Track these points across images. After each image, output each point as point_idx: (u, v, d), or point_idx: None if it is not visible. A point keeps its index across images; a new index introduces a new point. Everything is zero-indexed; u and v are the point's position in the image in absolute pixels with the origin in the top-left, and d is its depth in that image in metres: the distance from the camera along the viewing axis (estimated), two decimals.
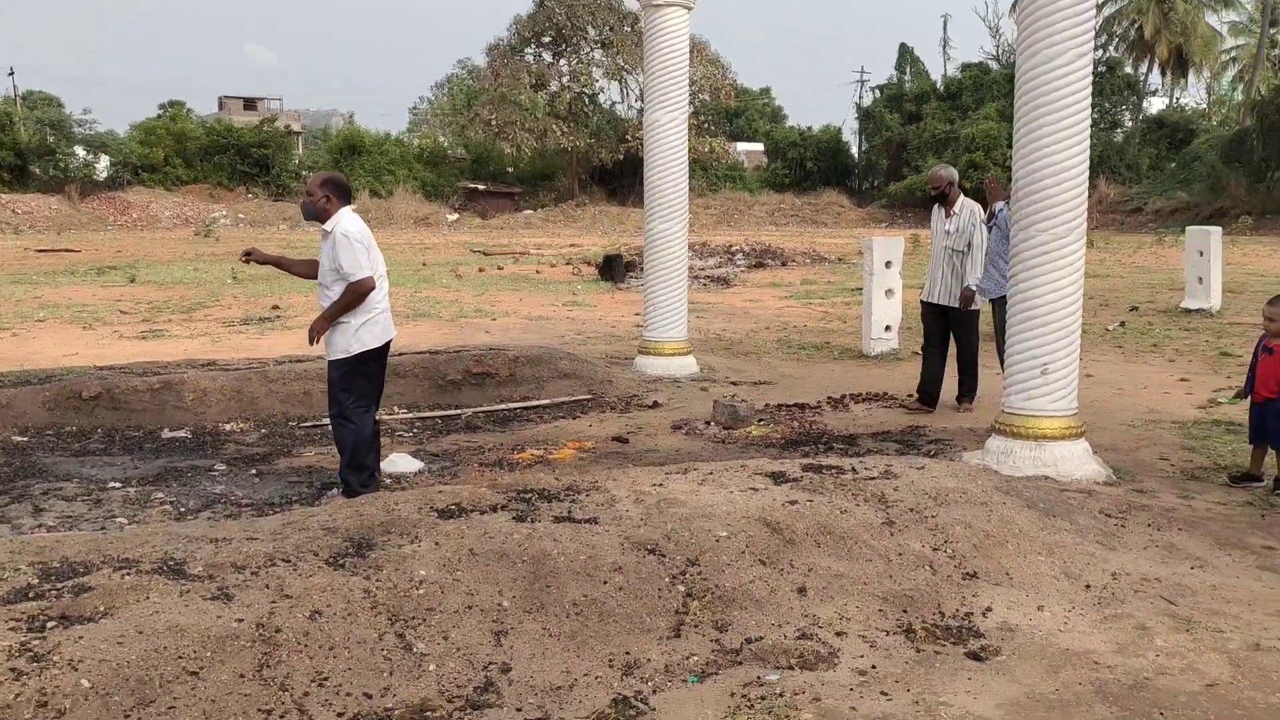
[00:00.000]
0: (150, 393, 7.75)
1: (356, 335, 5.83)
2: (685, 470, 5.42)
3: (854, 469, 5.46)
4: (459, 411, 8.28)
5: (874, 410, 8.19)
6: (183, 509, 5.74)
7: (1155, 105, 53.86)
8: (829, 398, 8.62)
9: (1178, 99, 54.12)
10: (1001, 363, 7.25)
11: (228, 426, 7.68)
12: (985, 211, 7.52)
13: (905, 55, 57.11)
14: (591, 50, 50.52)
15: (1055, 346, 5.92)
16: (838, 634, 3.97)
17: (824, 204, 52.74)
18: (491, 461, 6.84)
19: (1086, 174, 5.89)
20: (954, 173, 8.08)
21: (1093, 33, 5.86)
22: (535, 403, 8.51)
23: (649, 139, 9.62)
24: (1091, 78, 5.89)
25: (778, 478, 5.27)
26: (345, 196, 5.88)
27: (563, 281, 19.49)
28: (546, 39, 50.01)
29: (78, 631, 3.39)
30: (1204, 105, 53.46)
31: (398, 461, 6.77)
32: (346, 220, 5.75)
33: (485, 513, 4.58)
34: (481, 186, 50.89)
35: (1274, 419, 5.75)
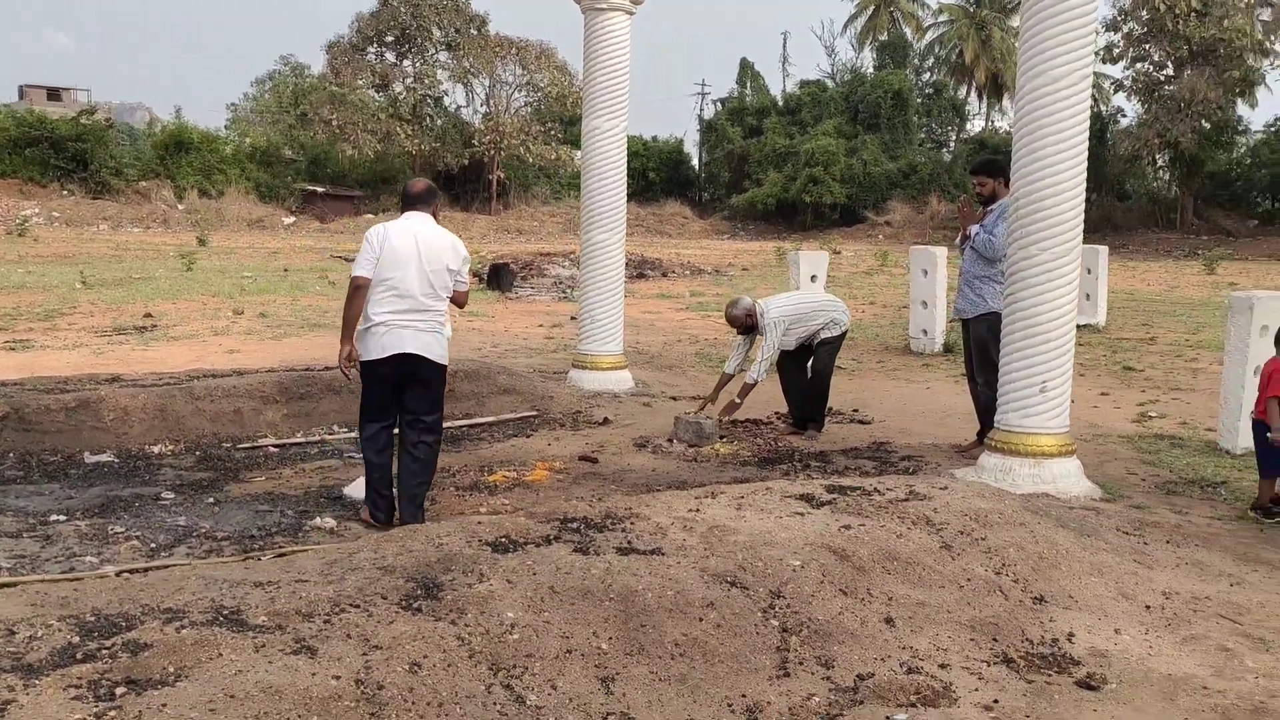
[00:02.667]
0: (65, 412, 6.97)
1: (360, 340, 5.48)
2: (712, 494, 5.21)
3: (878, 490, 5.37)
4: None
5: (828, 426, 8.15)
6: (152, 544, 5.14)
7: (974, 128, 56.72)
8: (777, 414, 8.54)
9: (993, 123, 57.21)
10: (973, 383, 7.31)
11: (155, 449, 6.98)
12: (960, 235, 7.56)
13: (746, 70, 58.37)
14: (437, 52, 49.54)
15: (1054, 364, 6.00)
16: (941, 666, 3.83)
17: (668, 215, 53.25)
18: (466, 485, 6.44)
19: (1084, 195, 5.99)
20: (746, 305, 7.90)
21: (1093, 56, 5.97)
22: (483, 420, 8.12)
23: (587, 146, 9.35)
24: (1090, 102, 6.00)
25: (810, 500, 5.12)
26: (404, 202, 5.70)
27: None
28: (390, 38, 48.71)
29: (156, 698, 2.93)
30: None
31: (363, 486, 6.28)
32: (390, 222, 5.62)
33: (540, 545, 4.26)
34: (320, 189, 49.09)
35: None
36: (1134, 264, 29.99)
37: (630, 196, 40.46)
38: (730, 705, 3.49)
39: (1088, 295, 13.67)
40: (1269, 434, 5.79)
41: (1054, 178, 5.88)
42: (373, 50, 48.90)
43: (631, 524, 4.62)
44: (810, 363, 7.88)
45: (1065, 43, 5.80)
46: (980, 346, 7.04)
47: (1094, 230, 38.18)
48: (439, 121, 50.35)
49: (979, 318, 7.08)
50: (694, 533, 4.55)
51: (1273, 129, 41.88)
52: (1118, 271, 26.04)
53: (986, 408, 6.80)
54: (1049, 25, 5.81)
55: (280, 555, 4.54)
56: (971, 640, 4.05)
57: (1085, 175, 6.00)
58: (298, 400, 7.91)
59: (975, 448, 7.04)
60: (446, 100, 51.89)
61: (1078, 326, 13.47)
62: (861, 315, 16.06)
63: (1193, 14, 36.10)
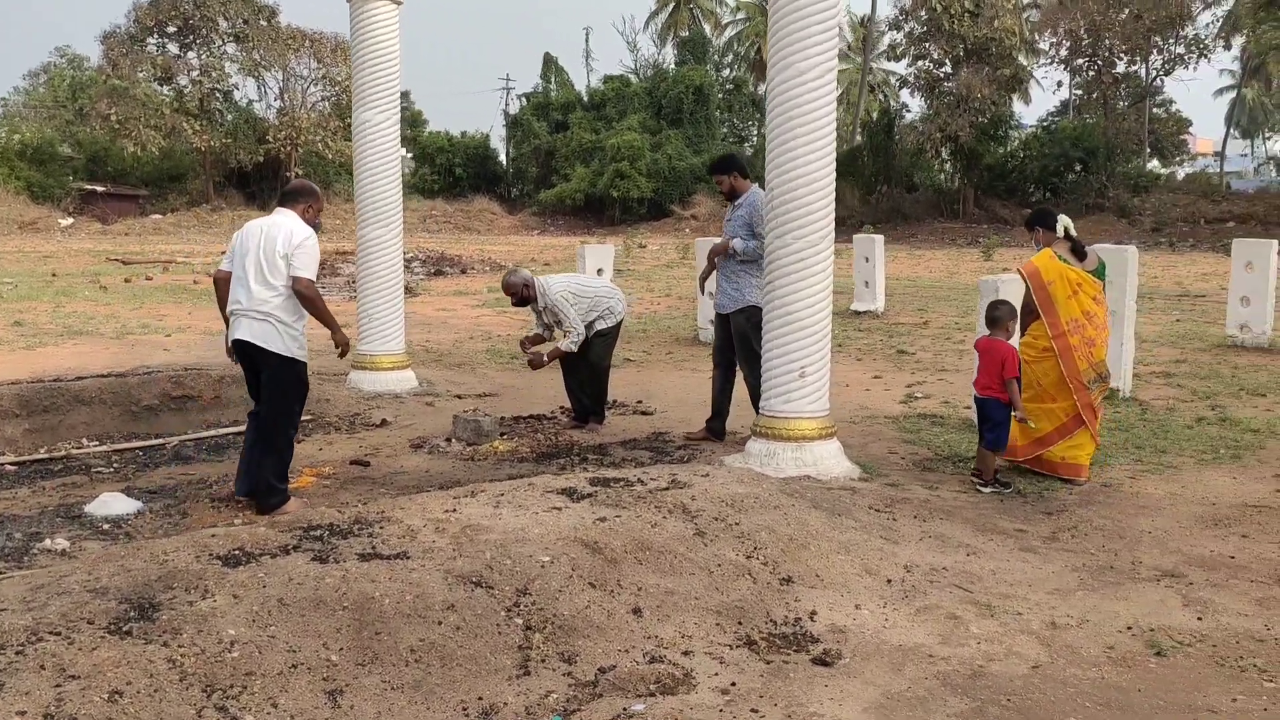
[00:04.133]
0: None
1: None
2: (473, 493, 5.11)
3: (641, 480, 5.39)
4: (163, 441, 7.36)
5: (610, 419, 8.17)
6: None
7: None
8: (562, 408, 8.51)
9: None
10: (718, 371, 7.48)
11: None
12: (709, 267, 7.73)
13: (550, 65, 58.26)
14: (224, 44, 47.30)
15: (812, 349, 6.16)
16: (685, 654, 3.86)
17: (476, 211, 52.62)
18: (223, 496, 6.11)
19: (834, 184, 6.17)
20: (524, 276, 7.83)
21: (837, 49, 6.16)
22: None
23: (359, 141, 9.06)
24: (835, 93, 6.19)
25: (572, 494, 5.10)
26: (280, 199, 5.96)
27: None
28: (172, 29, 46.18)
29: None
30: None
31: (110, 502, 5.87)
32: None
33: (277, 555, 4.07)
34: (100, 188, 46.18)
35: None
36: (920, 252, 31.51)
37: (437, 193, 39.65)
38: (465, 709, 3.41)
39: (866, 283, 14.25)
40: (1015, 414, 6.10)
41: (804, 169, 6.04)
42: (153, 41, 46.29)
43: (381, 528, 4.48)
44: (586, 355, 7.85)
45: (809, 37, 5.96)
46: (741, 339, 7.19)
47: (885, 221, 40.05)
48: (230, 117, 48.14)
49: (738, 311, 7.21)
50: (445, 534, 4.45)
51: (1045, 124, 44.88)
52: (904, 260, 27.36)
53: (753, 395, 6.98)
54: (793, 21, 5.96)
55: None
56: (717, 625, 4.10)
57: (834, 166, 6.18)
58: (41, 414, 7.36)
59: (703, 436, 7.44)
60: (237, 95, 49.71)
61: (857, 313, 14.20)
62: (657, 308, 16.27)
63: (966, 14, 38.21)
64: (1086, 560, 4.93)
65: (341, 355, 6.09)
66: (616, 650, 3.82)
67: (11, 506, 5.87)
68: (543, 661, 3.70)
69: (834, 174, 6.16)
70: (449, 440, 7.45)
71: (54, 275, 19.94)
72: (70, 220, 43.16)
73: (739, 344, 7.21)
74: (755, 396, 6.90)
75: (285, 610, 3.63)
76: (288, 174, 48.04)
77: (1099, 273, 6.47)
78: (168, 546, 4.08)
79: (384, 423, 8.06)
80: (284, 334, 5.64)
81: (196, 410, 7.94)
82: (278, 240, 5.60)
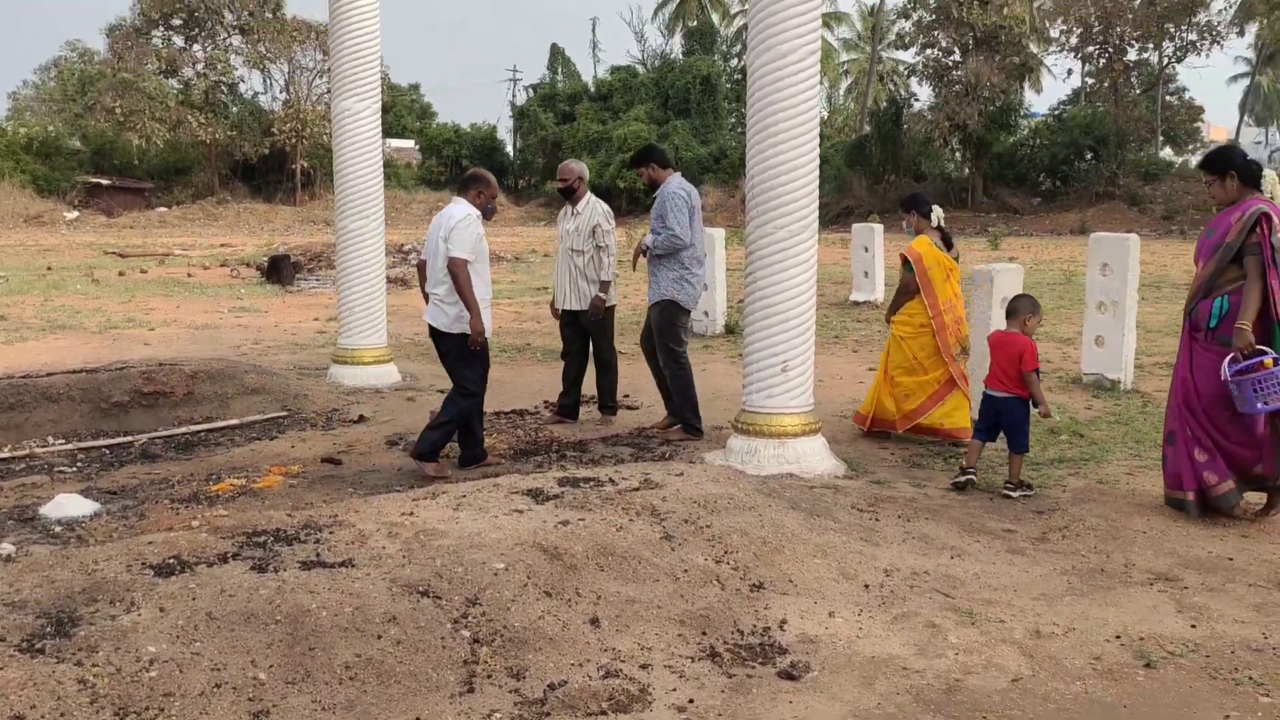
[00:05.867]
0: None
1: None
2: (434, 494, 4.90)
3: (612, 480, 5.17)
4: (131, 439, 7.16)
5: (594, 411, 7.94)
6: None
7: None
8: (546, 402, 8.29)
9: None
10: (656, 374, 7.32)
11: None
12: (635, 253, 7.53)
13: (557, 56, 57.98)
14: (229, 36, 47.10)
15: (795, 343, 5.93)
16: (643, 667, 3.64)
17: None
18: (185, 497, 5.92)
19: (817, 171, 5.93)
20: (584, 168, 7.68)
21: (819, 31, 5.91)
22: (223, 423, 7.54)
23: (338, 130, 8.84)
24: (819, 77, 5.94)
25: (537, 495, 4.88)
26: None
27: (222, 285, 17.83)
28: (177, 22, 46.02)
29: None
30: (824, 113, 58.20)
31: (65, 504, 5.69)
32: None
33: (214, 564, 3.86)
34: (106, 181, 45.99)
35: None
36: None
37: (444, 184, 39.32)
38: None
39: (866, 273, 13.98)
40: (1037, 408, 5.78)
41: (786, 155, 5.79)
42: (159, 34, 46.13)
43: (331, 533, 4.27)
44: (604, 333, 7.56)
45: (791, 17, 5.71)
46: (657, 332, 7.09)
47: (892, 210, 39.60)
48: (235, 109, 47.96)
49: (655, 304, 7.13)
50: (398, 539, 4.23)
51: (1055, 112, 44.36)
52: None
53: (670, 391, 7.16)
54: (773, 1, 5.71)
55: None
56: (680, 635, 3.87)
57: (818, 152, 5.93)
58: (7, 411, 7.19)
59: (667, 428, 7.26)
60: (243, 87, 49.52)
61: (856, 303, 13.93)
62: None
63: (975, 2, 37.73)
64: (1076, 563, 4.69)
65: (472, 345, 6.26)
66: (569, 664, 3.60)
67: None
68: (489, 677, 3.48)
69: (817, 160, 5.91)
70: None
71: (49, 269, 19.80)
72: (75, 214, 43.07)
73: (656, 337, 7.08)
74: (664, 392, 7.23)
75: (213, 625, 3.41)
76: (293, 166, 47.93)
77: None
78: (99, 555, 3.88)
79: (361, 419, 7.85)
80: (448, 311, 6.25)
81: (168, 407, 7.74)
82: (442, 227, 6.22)
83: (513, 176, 57.36)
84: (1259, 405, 4.86)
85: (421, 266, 6.55)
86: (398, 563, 3.97)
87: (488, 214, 6.41)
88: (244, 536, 4.16)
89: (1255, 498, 5.32)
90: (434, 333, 6.42)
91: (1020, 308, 5.94)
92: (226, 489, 6.07)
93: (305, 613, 3.52)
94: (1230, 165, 5.17)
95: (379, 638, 3.50)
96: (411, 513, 4.55)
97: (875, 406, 7.08)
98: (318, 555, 3.98)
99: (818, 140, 5.92)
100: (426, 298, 6.44)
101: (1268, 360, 4.82)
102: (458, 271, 6.10)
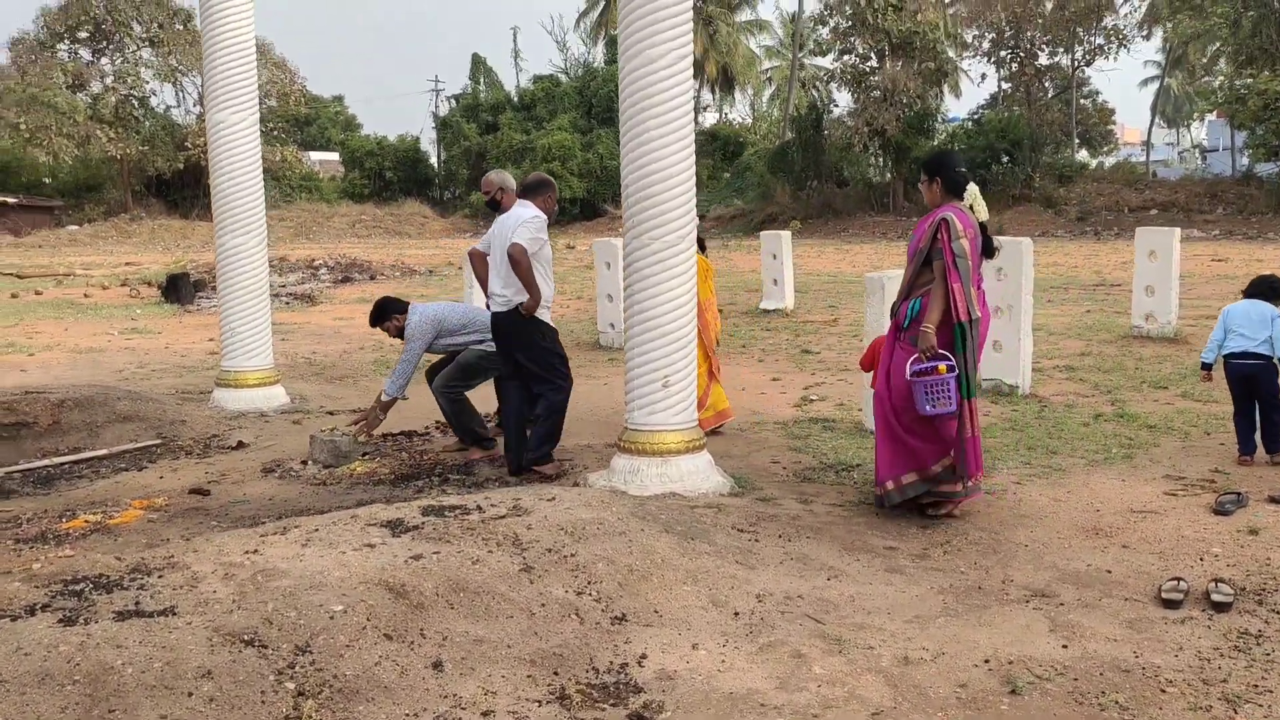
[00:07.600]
0: None
1: None
2: (285, 530, 4.61)
3: (479, 507, 4.92)
4: None
5: (490, 431, 7.67)
6: None
7: (708, 120, 58.18)
8: (437, 423, 8.01)
9: (727, 114, 58.81)
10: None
11: None
12: None
13: (478, 65, 57.54)
14: (139, 49, 45.99)
15: (675, 357, 5.74)
16: (484, 714, 3.40)
17: (406, 214, 51.81)
18: (31, 536, 5.54)
19: (694, 179, 5.75)
20: (506, 177, 7.31)
21: (691, 35, 5.73)
22: (87, 455, 7.15)
23: (214, 143, 8.50)
24: (691, 82, 5.77)
25: (395, 527, 4.61)
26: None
27: (118, 305, 17.23)
28: (83, 34, 44.85)
29: None
30: (749, 120, 58.39)
31: None
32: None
33: (18, 618, 3.54)
34: (12, 200, 44.60)
35: None
36: (850, 246, 31.37)
37: (367, 197, 39.00)
38: None
39: (775, 280, 13.89)
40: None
41: (660, 162, 5.61)
42: (65, 47, 44.86)
43: (161, 577, 3.96)
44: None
45: (660, 20, 5.53)
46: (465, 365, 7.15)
47: (816, 216, 39.93)
48: (147, 123, 46.83)
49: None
50: (233, 581, 3.94)
51: (973, 116, 45.01)
52: (833, 254, 27.19)
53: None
54: (644, 3, 5.53)
55: None
56: (529, 677, 3.63)
57: (694, 159, 5.76)
58: None
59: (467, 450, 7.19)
60: (155, 101, 48.43)
61: (766, 311, 13.83)
62: (564, 311, 15.79)
63: (890, 8, 38.13)
64: (955, 580, 4.55)
65: (524, 317, 6.36)
66: (404, 714, 3.35)
67: None
68: None
69: (694, 167, 5.74)
70: (304, 463, 6.93)
71: None
72: None
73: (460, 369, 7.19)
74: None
75: (2, 688, 3.11)
76: (209, 181, 46.84)
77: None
78: None
79: (240, 445, 7.51)
80: (511, 298, 6.34)
81: (30, 438, 7.33)
82: (509, 225, 6.38)
83: (437, 188, 56.82)
84: (928, 408, 5.03)
85: (475, 256, 6.72)
86: (226, 609, 3.68)
87: (553, 217, 6.67)
88: (60, 585, 3.84)
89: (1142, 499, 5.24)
90: (503, 337, 6.48)
91: None
92: (80, 526, 5.71)
93: (108, 670, 3.23)
94: (938, 171, 5.30)
95: (189, 695, 3.21)
96: (256, 550, 4.27)
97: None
98: (137, 604, 3.68)
99: (693, 148, 5.75)
100: (485, 290, 6.62)
101: (941, 366, 5.00)
102: (519, 257, 6.22)
